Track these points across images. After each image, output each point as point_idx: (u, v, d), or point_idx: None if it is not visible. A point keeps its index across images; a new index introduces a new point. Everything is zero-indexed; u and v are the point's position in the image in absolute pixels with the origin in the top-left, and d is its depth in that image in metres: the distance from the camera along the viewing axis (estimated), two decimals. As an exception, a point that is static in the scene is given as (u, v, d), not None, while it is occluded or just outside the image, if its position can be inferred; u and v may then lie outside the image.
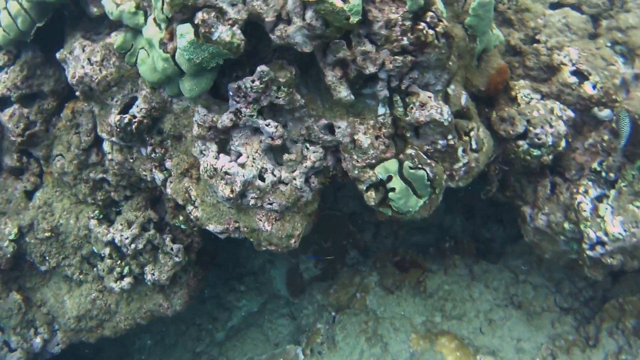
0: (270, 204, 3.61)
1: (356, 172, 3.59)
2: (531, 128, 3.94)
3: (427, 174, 3.56)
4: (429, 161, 3.59)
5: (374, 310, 5.13)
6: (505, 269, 5.08)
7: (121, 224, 4.15)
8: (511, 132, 3.98)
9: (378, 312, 5.11)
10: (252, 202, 3.59)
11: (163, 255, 4.24)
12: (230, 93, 3.36)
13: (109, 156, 3.93)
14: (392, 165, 3.57)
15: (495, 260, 5.18)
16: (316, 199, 3.77)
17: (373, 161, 3.56)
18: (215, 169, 3.51)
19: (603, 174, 3.98)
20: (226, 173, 3.48)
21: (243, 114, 3.39)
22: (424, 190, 3.64)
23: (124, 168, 3.97)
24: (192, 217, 3.82)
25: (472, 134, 3.74)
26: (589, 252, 3.96)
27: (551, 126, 3.94)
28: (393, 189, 3.60)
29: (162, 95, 3.60)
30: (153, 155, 3.81)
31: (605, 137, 3.99)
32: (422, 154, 3.60)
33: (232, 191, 3.50)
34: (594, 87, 4.00)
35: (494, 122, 4.05)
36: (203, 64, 3.15)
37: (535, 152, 3.98)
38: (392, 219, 3.85)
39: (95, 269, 4.33)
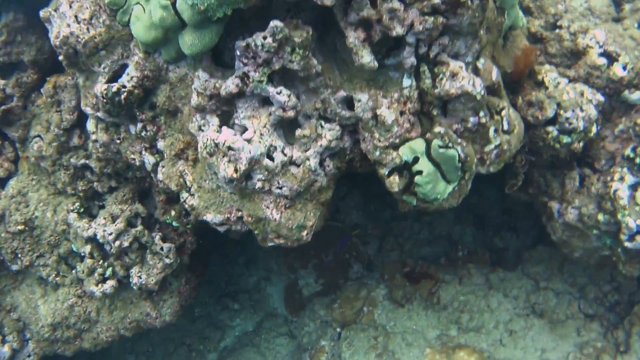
0: (280, 188, 3.02)
1: (377, 153, 3.03)
2: (562, 112, 3.44)
3: (459, 154, 3.02)
4: (459, 140, 3.05)
5: (383, 325, 4.52)
6: (524, 276, 4.52)
7: (104, 218, 3.51)
8: (540, 117, 3.47)
9: (388, 326, 4.50)
10: (258, 185, 3.00)
11: (152, 255, 3.60)
12: (237, 53, 2.80)
13: (93, 137, 3.31)
14: (418, 145, 3.03)
15: (512, 268, 4.61)
16: (331, 186, 3.19)
17: (397, 141, 3.01)
18: (217, 145, 2.92)
19: (638, 160, 3.47)
20: (230, 148, 2.89)
21: (251, 79, 2.82)
22: (454, 173, 3.09)
23: (109, 151, 3.34)
24: (187, 205, 3.22)
25: (503, 113, 3.22)
26: (627, 244, 3.46)
27: (582, 110, 3.46)
28: (420, 172, 3.04)
29: (157, 62, 3.02)
30: (143, 133, 3.21)
31: (639, 121, 3.50)
32: (451, 132, 3.07)
33: (236, 170, 2.91)
34: (624, 68, 3.54)
35: (521, 107, 3.54)
36: (208, 12, 2.59)
37: (566, 139, 3.48)
38: (417, 210, 3.28)
39: (74, 271, 3.66)
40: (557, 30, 3.81)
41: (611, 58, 3.58)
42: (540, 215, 3.98)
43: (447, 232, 4.92)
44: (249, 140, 2.92)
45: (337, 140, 3.04)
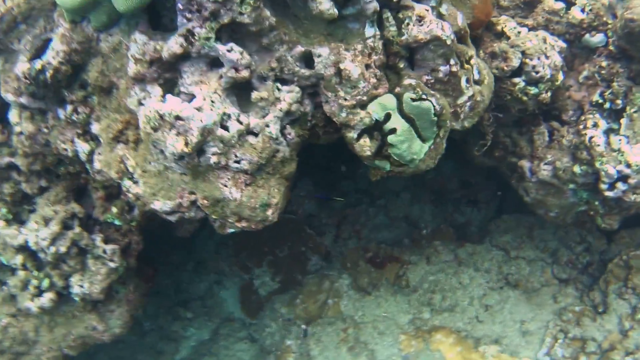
0: (238, 161, 2.59)
1: (344, 114, 2.64)
2: (527, 60, 3.15)
3: (434, 105, 2.67)
4: (432, 92, 2.71)
5: (351, 316, 4.11)
6: (493, 247, 4.20)
7: (36, 222, 2.95)
8: (505, 68, 3.17)
9: (356, 317, 4.09)
10: (213, 160, 2.55)
11: (93, 260, 3.07)
12: (179, 6, 2.36)
13: (17, 128, 2.79)
14: (389, 100, 2.66)
15: (479, 242, 4.29)
16: (294, 157, 2.77)
17: (364, 98, 2.63)
18: (162, 116, 2.46)
19: (607, 105, 3.24)
20: (177, 118, 2.45)
21: (197, 37, 2.39)
22: (430, 129, 2.74)
23: (36, 143, 2.83)
24: (130, 195, 2.74)
25: (472, 62, 2.90)
26: (608, 193, 3.21)
27: (547, 57, 3.18)
28: (393, 131, 2.68)
29: (86, 31, 2.54)
30: (74, 117, 2.72)
31: (604, 64, 3.27)
32: (422, 84, 2.72)
33: (186, 143, 2.47)
34: (583, 10, 3.29)
35: (484, 60, 3.23)
36: (144, -46, 2.15)
37: (533, 90, 3.20)
38: (391, 176, 2.91)
39: (5, 287, 3.08)
40: (507, -18, 3.55)
41: (568, 2, 3.33)
42: (508, 179, 3.69)
43: (404, 214, 4.57)
44: (198, 109, 2.48)
45: (297, 103, 2.63)
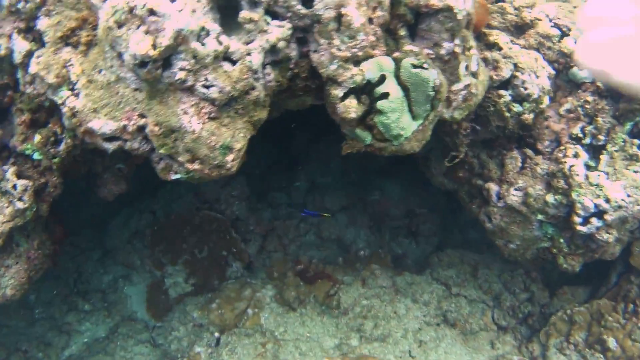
0: (207, 87, 2.12)
1: (334, 66, 2.25)
2: (518, 74, 2.88)
3: (434, 78, 2.31)
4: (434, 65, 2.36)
5: (272, 331, 3.52)
6: (434, 281, 3.77)
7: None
8: (495, 77, 2.88)
9: (277, 332, 3.51)
10: (180, 76, 2.08)
11: (-1, 195, 2.46)
12: None
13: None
14: (386, 62, 2.29)
15: (420, 272, 3.87)
16: (266, 104, 2.32)
17: (360, 53, 2.25)
18: (132, 9, 1.98)
19: (587, 140, 3.00)
20: (151, 13, 1.98)
21: None
22: (423, 105, 2.38)
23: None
24: (66, 110, 2.20)
25: (472, 52, 2.58)
26: (580, 228, 2.92)
27: (537, 76, 2.92)
28: (384, 96, 2.29)
29: None
30: (20, 5, 2.20)
31: (589, 99, 3.03)
32: (424, 54, 2.37)
33: (154, 46, 1.98)
34: (576, 42, 3.08)
35: (472, 66, 2.94)
36: None
37: (517, 108, 2.91)
38: (368, 153, 2.50)
39: None
40: (499, 3, 3.32)
41: (563, 31, 3.13)
42: (466, 205, 3.36)
43: (337, 236, 4.12)
44: (178, 11, 2.02)
45: (285, 41, 2.22)
